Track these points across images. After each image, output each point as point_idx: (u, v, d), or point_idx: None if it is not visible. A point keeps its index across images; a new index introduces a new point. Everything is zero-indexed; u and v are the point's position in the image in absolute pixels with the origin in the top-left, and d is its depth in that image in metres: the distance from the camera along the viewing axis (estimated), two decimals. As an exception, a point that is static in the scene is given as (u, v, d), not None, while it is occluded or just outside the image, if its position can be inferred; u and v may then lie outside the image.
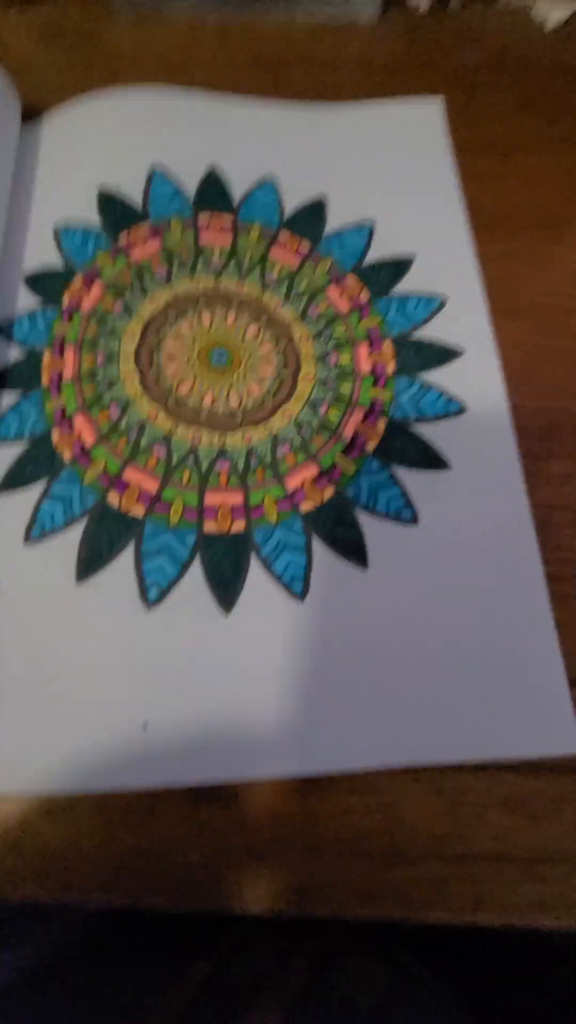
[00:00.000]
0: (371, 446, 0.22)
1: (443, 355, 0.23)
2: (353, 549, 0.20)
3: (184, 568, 0.19)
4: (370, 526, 0.21)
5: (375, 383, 0.23)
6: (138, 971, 0.20)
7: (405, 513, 0.21)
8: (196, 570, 0.19)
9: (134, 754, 0.17)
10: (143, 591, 0.19)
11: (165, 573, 0.19)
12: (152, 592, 0.19)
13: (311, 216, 0.26)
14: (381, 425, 0.22)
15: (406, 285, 0.24)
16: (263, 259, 0.25)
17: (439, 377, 0.23)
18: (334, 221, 0.26)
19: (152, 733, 0.17)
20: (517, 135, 0.29)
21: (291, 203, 0.26)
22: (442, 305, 0.24)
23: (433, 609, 0.19)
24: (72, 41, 0.32)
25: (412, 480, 0.21)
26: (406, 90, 0.29)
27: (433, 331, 0.24)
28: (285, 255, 0.25)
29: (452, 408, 0.22)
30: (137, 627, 0.19)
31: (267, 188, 0.26)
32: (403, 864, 0.17)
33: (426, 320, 0.24)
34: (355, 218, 0.26)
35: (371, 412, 0.22)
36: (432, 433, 0.22)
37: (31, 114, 0.27)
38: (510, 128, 0.29)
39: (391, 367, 0.23)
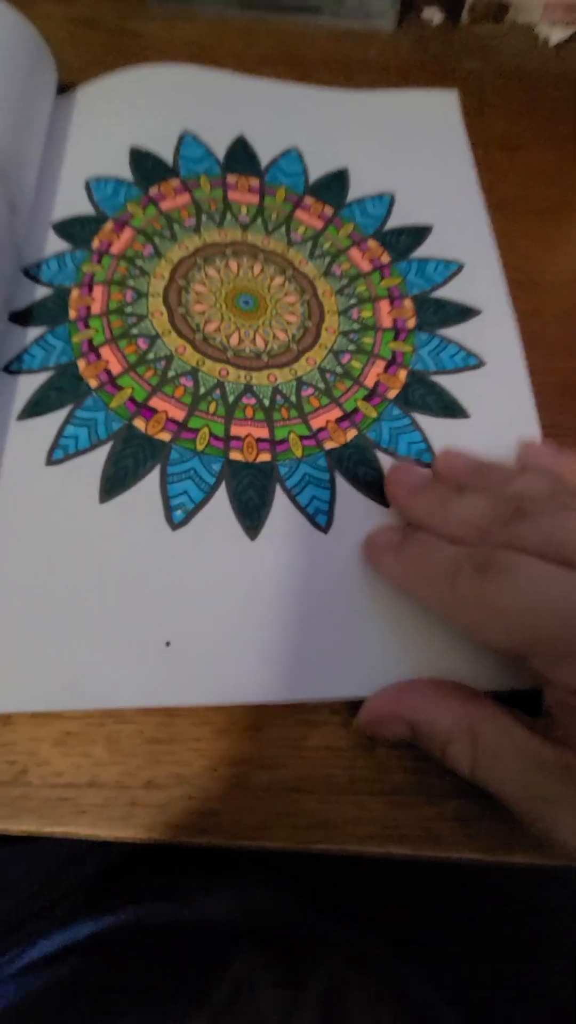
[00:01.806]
0: (392, 394, 0.21)
1: (462, 313, 0.23)
2: (375, 487, 0.19)
3: (210, 493, 0.18)
4: (392, 467, 0.20)
5: (396, 337, 0.22)
6: None
7: (426, 456, 0.20)
8: (222, 496, 0.19)
9: (156, 670, 0.16)
10: (168, 513, 0.18)
11: (191, 496, 0.18)
12: (177, 514, 0.18)
13: (334, 184, 0.26)
14: (402, 375, 0.22)
15: (425, 251, 0.24)
16: (289, 219, 0.24)
17: (457, 334, 0.23)
18: (356, 191, 0.26)
19: (174, 651, 0.16)
20: (522, 134, 0.30)
21: (315, 172, 0.26)
22: (460, 269, 0.24)
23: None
24: (105, 34, 0.32)
25: (431, 427, 0.21)
26: (423, 85, 0.30)
27: (451, 292, 0.23)
28: (309, 218, 0.25)
29: (470, 362, 0.22)
30: (161, 547, 0.17)
31: (292, 156, 0.26)
32: (428, 803, 0.16)
33: (445, 282, 0.24)
34: (376, 189, 0.26)
35: (392, 363, 0.22)
36: (451, 384, 0.22)
37: (64, 90, 0.27)
38: (516, 128, 0.30)
39: (411, 323, 0.23)
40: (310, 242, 0.24)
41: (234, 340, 0.21)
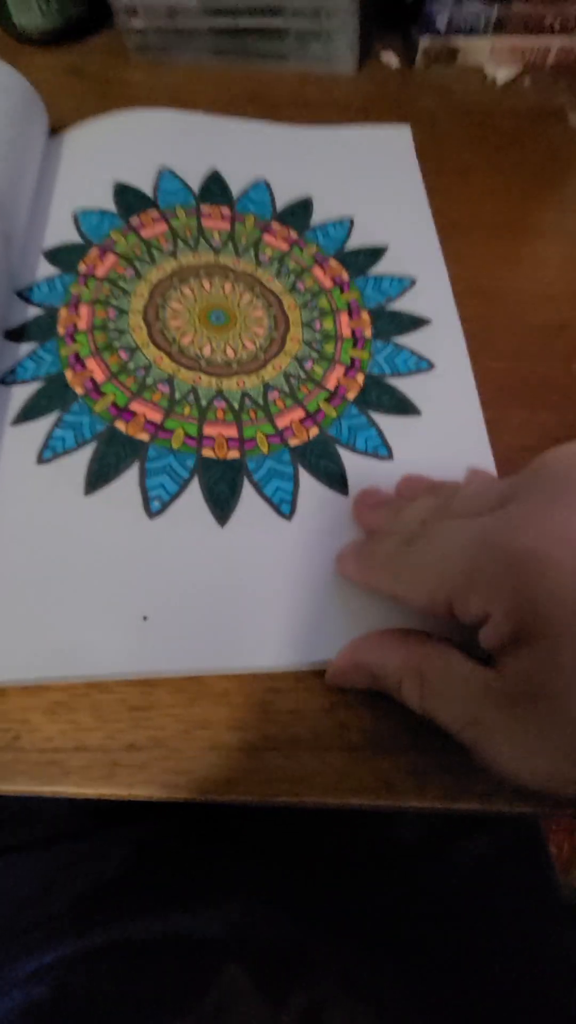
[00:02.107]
0: (351, 395, 0.23)
1: (414, 322, 0.25)
2: (335, 479, 0.21)
3: (184, 486, 0.20)
4: (351, 460, 0.22)
5: (355, 345, 0.25)
6: None
7: (382, 450, 0.22)
8: (195, 489, 0.20)
9: (134, 642, 0.17)
10: (146, 503, 0.20)
11: (167, 489, 0.20)
12: (155, 504, 0.20)
13: (299, 210, 0.28)
14: (360, 378, 0.24)
15: (381, 268, 0.27)
16: (257, 242, 0.27)
17: (410, 341, 0.25)
18: (318, 216, 0.28)
19: (151, 625, 0.18)
20: (472, 161, 0.33)
21: (281, 201, 0.28)
22: (412, 284, 0.26)
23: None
24: (92, 81, 0.34)
25: (387, 424, 0.23)
26: (380, 121, 0.32)
27: (405, 305, 0.26)
28: (276, 241, 0.27)
29: (422, 365, 0.24)
30: (140, 534, 0.19)
31: (260, 187, 0.28)
32: (383, 755, 0.17)
33: (399, 295, 0.26)
34: (337, 215, 0.28)
35: (351, 368, 0.24)
36: (404, 386, 0.24)
37: (54, 132, 0.29)
38: (466, 156, 0.33)
39: (368, 332, 0.25)
40: (277, 262, 0.26)
41: (206, 351, 0.23)
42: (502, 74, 0.36)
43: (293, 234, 0.27)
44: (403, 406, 0.23)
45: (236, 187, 0.28)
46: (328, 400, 0.23)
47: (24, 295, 0.24)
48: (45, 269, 0.25)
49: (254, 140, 0.30)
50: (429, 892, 0.24)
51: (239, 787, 0.16)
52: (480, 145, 0.33)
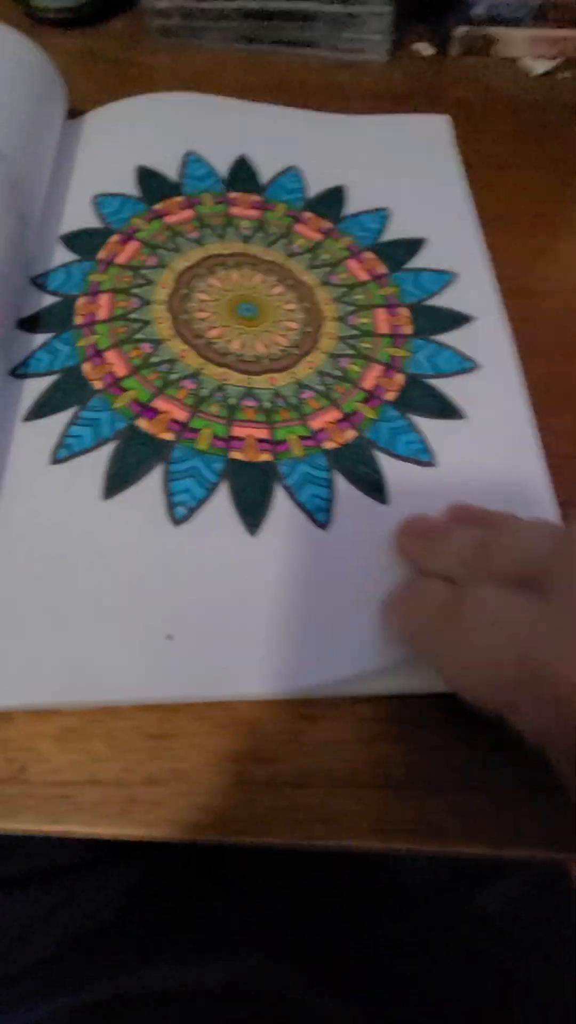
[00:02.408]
0: (390, 396, 0.21)
1: (456, 320, 0.23)
2: (374, 486, 0.19)
3: (211, 490, 0.18)
4: (390, 466, 0.20)
5: (393, 343, 0.23)
6: None
7: (423, 455, 0.20)
8: (223, 494, 0.18)
9: (157, 663, 0.16)
10: (170, 509, 0.18)
11: (193, 494, 0.18)
12: (180, 511, 0.18)
13: (332, 199, 0.26)
14: (399, 379, 0.22)
15: (419, 262, 0.25)
16: (288, 231, 0.25)
17: (452, 339, 0.23)
18: (352, 206, 0.26)
19: (176, 645, 0.16)
20: (508, 155, 0.31)
21: (313, 189, 0.26)
22: (453, 279, 0.24)
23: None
24: (112, 64, 0.33)
25: (429, 428, 0.21)
26: (415, 112, 0.31)
27: (445, 300, 0.24)
28: (308, 231, 0.25)
29: (465, 366, 0.22)
30: (164, 543, 0.17)
31: (292, 175, 0.27)
32: (429, 793, 0.15)
33: (439, 291, 0.24)
34: (372, 205, 0.26)
35: (390, 367, 0.22)
36: (447, 387, 0.22)
37: (73, 115, 0.28)
38: (505, 150, 0.31)
39: (407, 329, 0.23)
40: (309, 253, 0.25)
41: (235, 345, 0.22)
42: (539, 66, 0.35)
43: (326, 224, 0.26)
44: (446, 409, 0.21)
45: (266, 174, 0.27)
46: (365, 401, 0.21)
47: (39, 282, 0.22)
48: (62, 255, 0.23)
49: (284, 126, 0.29)
50: (448, 941, 0.22)
51: (270, 828, 0.15)
52: (517, 138, 0.32)
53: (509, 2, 0.31)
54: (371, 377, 0.22)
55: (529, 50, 0.34)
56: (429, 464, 0.20)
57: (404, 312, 0.24)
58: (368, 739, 0.16)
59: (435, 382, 0.22)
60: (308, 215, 0.26)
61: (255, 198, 0.26)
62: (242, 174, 0.26)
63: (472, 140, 0.30)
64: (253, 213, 0.25)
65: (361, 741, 0.16)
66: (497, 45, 0.34)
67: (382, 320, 0.23)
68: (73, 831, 0.15)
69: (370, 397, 0.21)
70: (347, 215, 0.26)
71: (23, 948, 0.21)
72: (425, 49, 0.35)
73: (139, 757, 0.15)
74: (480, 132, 0.31)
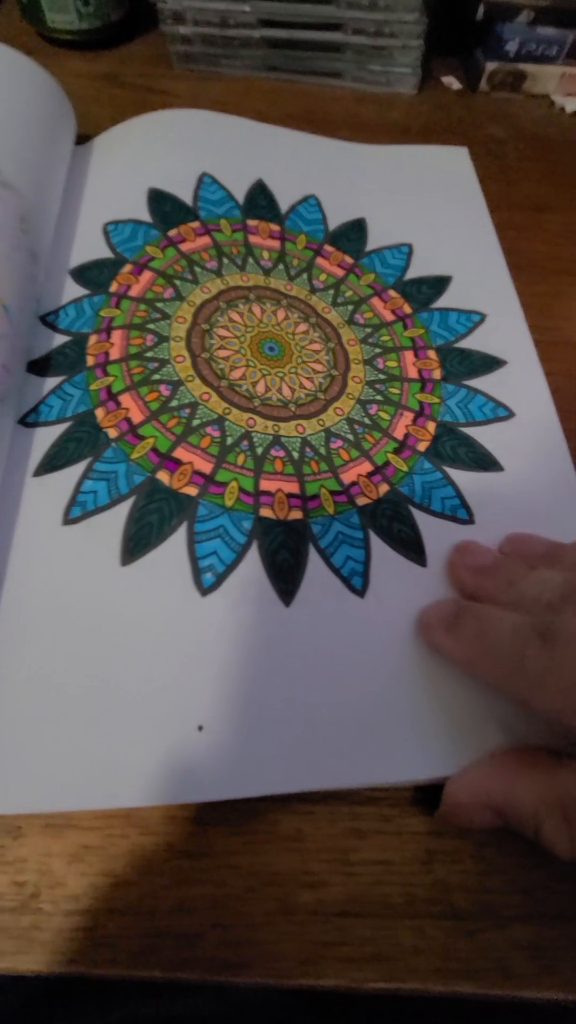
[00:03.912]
0: (422, 446, 0.19)
1: (487, 364, 0.21)
2: (411, 546, 0.17)
3: (241, 553, 0.16)
4: (426, 523, 0.18)
5: (422, 388, 0.21)
6: None
7: (461, 512, 0.18)
8: (253, 557, 0.16)
9: (186, 759, 0.13)
10: (196, 576, 0.15)
11: (221, 557, 0.16)
12: (207, 577, 0.15)
13: (353, 233, 0.24)
14: (431, 427, 0.20)
15: (446, 301, 0.23)
16: (310, 265, 0.23)
17: (485, 384, 0.21)
18: (374, 241, 0.24)
19: (208, 736, 0.13)
20: (544, 197, 0.29)
21: (333, 221, 0.24)
22: (482, 320, 0.22)
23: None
24: (131, 90, 0.30)
25: (465, 481, 0.19)
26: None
27: (475, 343, 0.22)
28: (330, 265, 0.23)
29: (500, 413, 0.20)
30: (191, 615, 0.15)
31: (311, 204, 0.24)
32: (497, 925, 0.13)
33: (468, 332, 0.22)
34: (393, 240, 0.24)
35: (420, 415, 0.20)
36: (482, 436, 0.20)
37: (82, 141, 0.25)
38: (539, 191, 0.29)
39: (437, 373, 0.21)
40: (332, 289, 0.22)
41: (260, 388, 0.19)
42: (572, 104, 0.33)
43: (348, 259, 0.23)
44: (482, 460, 0.19)
45: (284, 201, 0.24)
46: (397, 451, 0.19)
47: (48, 321, 0.20)
48: (72, 291, 0.20)
49: (301, 151, 0.26)
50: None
51: (320, 968, 0.12)
52: (552, 179, 0.30)
53: (542, 39, 0.29)
54: (402, 425, 0.20)
55: (560, 87, 0.33)
56: (467, 522, 0.18)
57: (432, 355, 0.21)
58: (425, 858, 0.13)
59: (469, 431, 0.20)
60: (329, 248, 0.23)
61: (274, 227, 0.23)
62: (260, 200, 0.24)
63: (504, 179, 0.29)
64: (273, 244, 0.23)
65: (418, 860, 0.13)
66: (528, 82, 0.32)
67: (410, 364, 0.21)
68: (93, 972, 0.12)
69: (402, 447, 0.19)
70: (369, 250, 0.24)
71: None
72: (454, 83, 0.33)
73: (166, 881, 0.13)
74: (513, 171, 0.30)
